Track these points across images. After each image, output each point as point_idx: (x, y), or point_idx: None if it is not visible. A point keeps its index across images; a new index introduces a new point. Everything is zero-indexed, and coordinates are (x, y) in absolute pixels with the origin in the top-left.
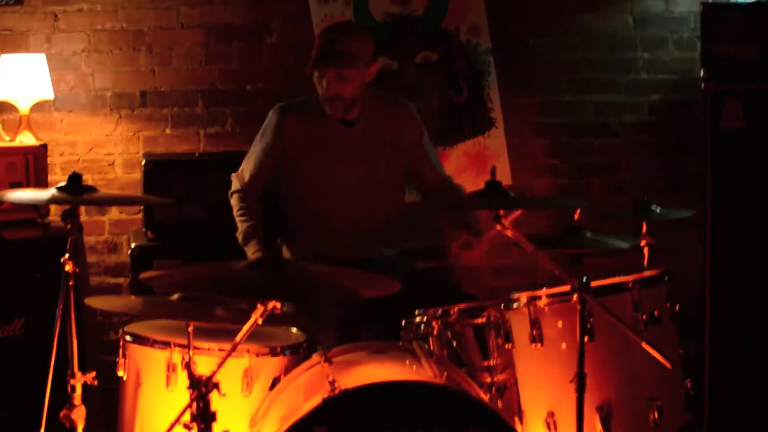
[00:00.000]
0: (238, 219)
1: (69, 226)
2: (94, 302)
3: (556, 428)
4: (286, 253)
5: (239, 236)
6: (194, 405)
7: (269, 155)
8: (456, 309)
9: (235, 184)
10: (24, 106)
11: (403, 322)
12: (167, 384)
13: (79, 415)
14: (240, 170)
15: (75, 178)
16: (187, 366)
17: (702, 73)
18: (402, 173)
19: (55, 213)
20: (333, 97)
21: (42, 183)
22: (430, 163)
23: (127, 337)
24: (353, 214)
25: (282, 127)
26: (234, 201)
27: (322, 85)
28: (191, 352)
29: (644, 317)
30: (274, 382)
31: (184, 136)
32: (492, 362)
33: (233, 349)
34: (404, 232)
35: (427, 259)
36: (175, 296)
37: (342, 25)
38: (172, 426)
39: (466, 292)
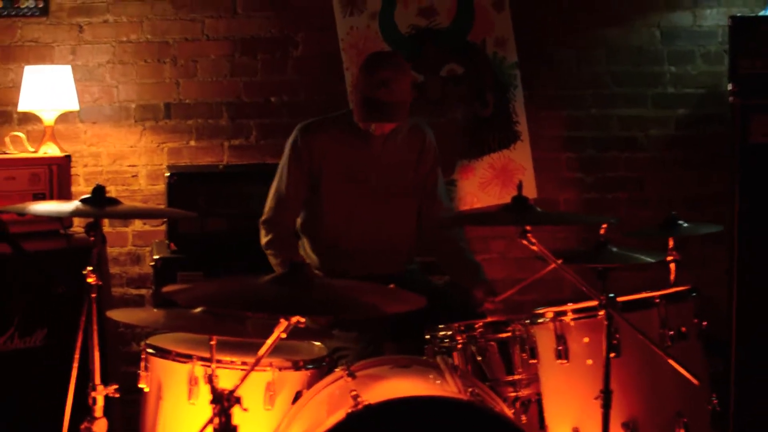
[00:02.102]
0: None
1: (92, 239)
2: (117, 315)
3: None
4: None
5: None
6: (216, 419)
7: (301, 172)
8: (480, 323)
9: (267, 234)
10: (48, 118)
11: (428, 336)
12: (189, 397)
13: (100, 428)
14: (268, 210)
15: (99, 191)
16: (210, 380)
17: (729, 88)
18: (418, 195)
19: (78, 224)
20: (380, 135)
21: (65, 194)
22: (437, 195)
23: (149, 350)
24: (375, 231)
25: (309, 142)
26: (271, 252)
27: (368, 126)
28: (214, 366)
29: (671, 333)
30: (297, 396)
31: (208, 148)
32: (516, 377)
33: (256, 363)
34: (418, 247)
35: (442, 273)
36: (198, 310)
37: (388, 64)
38: None
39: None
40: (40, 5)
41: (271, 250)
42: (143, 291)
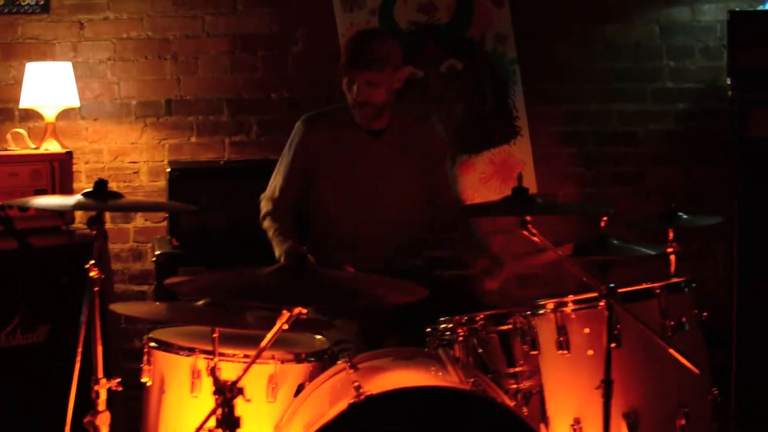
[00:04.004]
0: (275, 241)
1: (94, 232)
2: (119, 308)
3: None
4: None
5: (280, 258)
6: (219, 410)
7: (297, 166)
8: (482, 316)
9: (265, 207)
10: (50, 114)
11: (429, 329)
12: (192, 390)
13: (103, 421)
14: (268, 189)
15: (101, 185)
16: (212, 372)
17: (728, 82)
18: (426, 186)
19: (80, 221)
20: (363, 103)
21: (67, 190)
22: (448, 184)
23: (152, 344)
24: (379, 224)
25: (308, 137)
26: (267, 224)
27: (352, 91)
28: (216, 359)
29: (671, 324)
30: (299, 389)
31: (209, 144)
32: (518, 369)
33: (258, 355)
34: (428, 242)
35: (451, 268)
36: (201, 302)
37: (370, 31)
38: (197, 431)
39: (489, 303)
40: (41, 2)
41: (267, 220)
42: (145, 287)
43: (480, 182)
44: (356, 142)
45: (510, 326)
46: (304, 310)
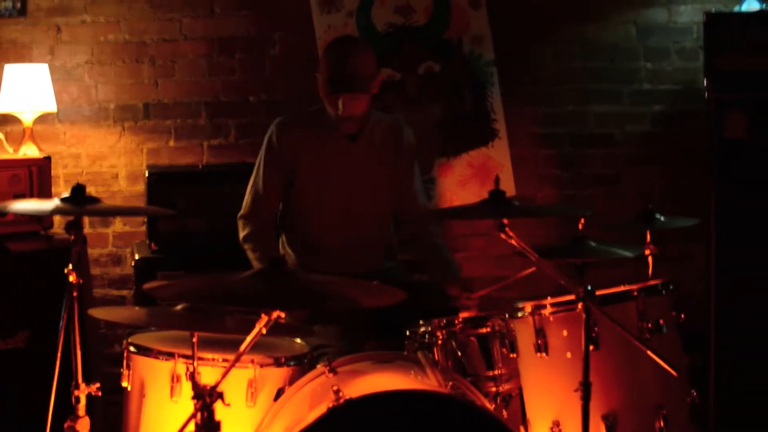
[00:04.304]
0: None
1: (73, 237)
2: (98, 313)
3: None
4: None
5: None
6: (198, 415)
7: (275, 170)
8: (460, 319)
9: (245, 228)
10: (27, 118)
11: (408, 332)
12: (171, 395)
13: (83, 426)
14: (245, 206)
15: (79, 189)
16: (192, 376)
17: (705, 83)
18: (394, 192)
19: (58, 226)
20: (347, 118)
21: (46, 195)
22: (414, 192)
23: (131, 348)
24: (353, 227)
25: (283, 139)
26: (248, 246)
27: (336, 106)
28: (196, 363)
29: (649, 326)
30: (279, 393)
31: (187, 148)
32: (497, 372)
33: (237, 358)
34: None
35: (422, 270)
36: (179, 307)
37: (346, 43)
38: None
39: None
40: (18, 6)
41: (248, 244)
42: (125, 292)
43: (458, 185)
44: (332, 146)
45: (489, 329)
46: (283, 314)
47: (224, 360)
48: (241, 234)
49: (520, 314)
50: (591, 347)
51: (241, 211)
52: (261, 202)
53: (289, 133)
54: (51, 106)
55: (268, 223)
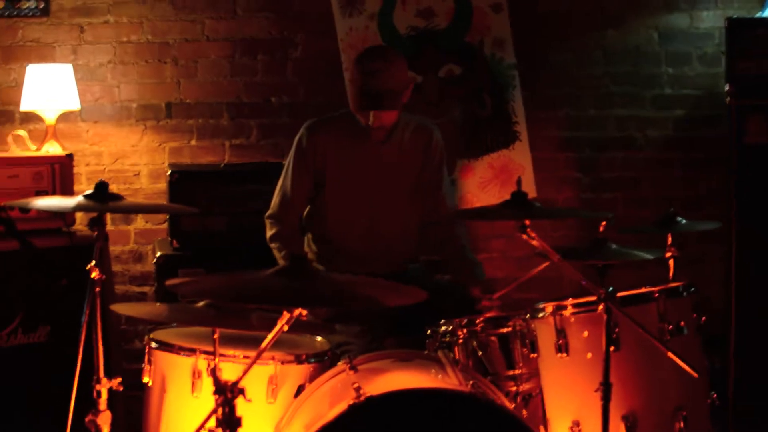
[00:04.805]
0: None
1: (95, 234)
2: (120, 308)
3: None
4: None
5: None
6: (220, 410)
7: (305, 171)
8: (482, 318)
9: (272, 227)
10: (50, 117)
11: (429, 331)
12: (192, 390)
13: (104, 421)
14: (273, 206)
15: (101, 187)
16: (213, 372)
17: (726, 88)
18: (422, 194)
19: (80, 222)
20: (378, 128)
21: (68, 193)
22: (441, 193)
23: (153, 344)
24: (379, 229)
25: (313, 141)
26: (275, 245)
27: (366, 116)
28: (217, 359)
29: (670, 327)
30: (299, 390)
31: (209, 147)
32: (517, 371)
33: (259, 355)
34: (421, 246)
35: (444, 271)
36: (201, 303)
37: (378, 57)
38: (198, 431)
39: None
40: (41, 6)
41: (275, 243)
42: (146, 289)
43: (479, 187)
44: (361, 149)
45: (509, 329)
46: (305, 312)
47: (245, 356)
48: (268, 233)
49: (541, 315)
50: (612, 348)
51: (269, 211)
52: (288, 203)
53: (319, 136)
54: (74, 105)
55: (294, 224)
